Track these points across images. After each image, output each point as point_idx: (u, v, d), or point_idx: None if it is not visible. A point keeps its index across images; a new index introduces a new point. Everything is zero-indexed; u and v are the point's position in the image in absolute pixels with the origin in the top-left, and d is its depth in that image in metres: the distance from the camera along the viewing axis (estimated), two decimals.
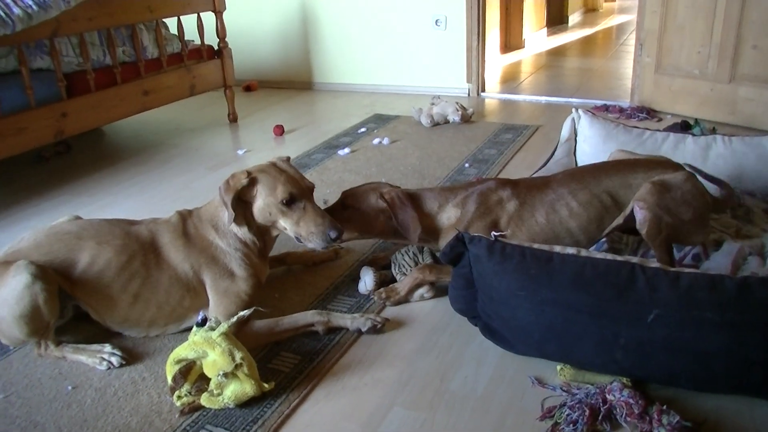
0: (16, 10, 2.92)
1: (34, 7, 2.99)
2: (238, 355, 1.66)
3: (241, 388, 1.65)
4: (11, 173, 3.68)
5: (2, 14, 2.87)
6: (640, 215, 1.96)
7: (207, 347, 1.67)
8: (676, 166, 2.13)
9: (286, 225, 2.02)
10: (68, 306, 1.98)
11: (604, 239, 2.16)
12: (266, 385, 1.70)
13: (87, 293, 1.94)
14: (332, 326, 1.99)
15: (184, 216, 2.09)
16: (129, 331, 2.00)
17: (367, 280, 2.22)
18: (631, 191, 2.04)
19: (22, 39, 3.06)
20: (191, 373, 1.69)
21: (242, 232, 2.03)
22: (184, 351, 1.70)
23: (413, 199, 2.19)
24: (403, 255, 2.28)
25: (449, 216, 2.15)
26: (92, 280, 1.92)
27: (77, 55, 3.57)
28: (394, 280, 2.24)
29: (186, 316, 2.00)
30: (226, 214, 2.00)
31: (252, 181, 2.00)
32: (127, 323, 1.98)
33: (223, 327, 1.71)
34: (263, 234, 2.08)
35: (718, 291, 1.54)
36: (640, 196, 1.98)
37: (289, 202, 1.99)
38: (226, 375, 1.64)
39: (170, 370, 1.70)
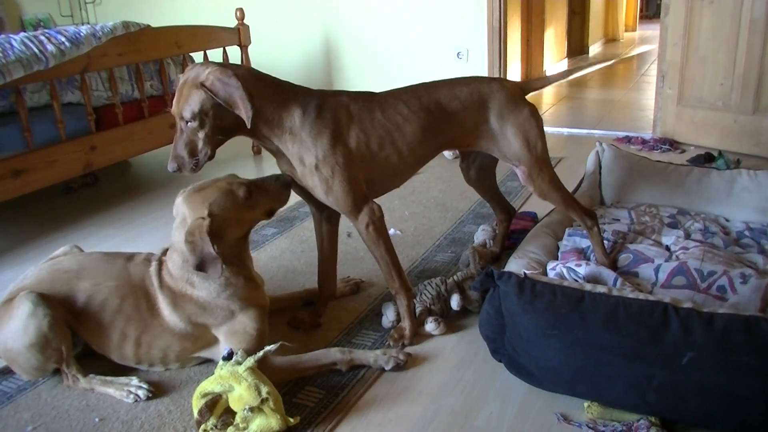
0: (50, 47, 3.01)
1: (67, 44, 3.09)
2: (264, 390, 1.67)
3: (266, 422, 1.66)
4: (39, 204, 3.75)
5: (36, 51, 2.96)
6: (521, 171, 2.18)
7: (233, 381, 1.68)
8: (491, 80, 2.24)
9: (261, 211, 1.99)
10: (79, 337, 2.00)
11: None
12: (291, 420, 1.70)
13: (89, 332, 1.97)
14: (355, 364, 1.98)
15: (161, 264, 2.00)
16: (141, 366, 2.01)
17: (389, 314, 2.24)
18: (459, 102, 2.14)
19: (54, 74, 3.14)
20: (217, 407, 1.70)
21: (224, 275, 1.92)
22: (210, 385, 1.71)
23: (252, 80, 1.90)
24: (425, 285, 2.29)
25: (292, 114, 1.94)
26: (92, 320, 1.95)
27: (106, 89, 3.66)
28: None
29: (196, 354, 2.01)
30: (198, 272, 1.90)
31: (210, 215, 1.85)
32: (140, 363, 2.00)
33: (249, 361, 1.72)
34: (240, 255, 2.00)
35: (754, 333, 1.52)
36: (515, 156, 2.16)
37: (250, 193, 1.94)
38: (252, 409, 1.65)
39: (196, 404, 1.71)
